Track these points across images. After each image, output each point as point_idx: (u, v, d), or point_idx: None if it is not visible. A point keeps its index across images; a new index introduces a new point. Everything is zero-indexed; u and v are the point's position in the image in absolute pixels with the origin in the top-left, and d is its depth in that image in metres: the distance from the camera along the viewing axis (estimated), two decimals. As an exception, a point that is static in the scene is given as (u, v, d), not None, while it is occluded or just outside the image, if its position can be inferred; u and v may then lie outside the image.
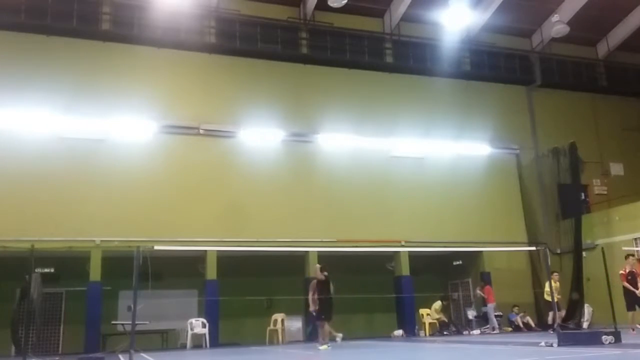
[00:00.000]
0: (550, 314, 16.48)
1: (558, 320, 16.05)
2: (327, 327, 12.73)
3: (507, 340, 13.48)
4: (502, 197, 20.63)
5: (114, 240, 15.51)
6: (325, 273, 12.58)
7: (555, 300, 15.88)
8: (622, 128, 23.49)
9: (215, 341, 15.98)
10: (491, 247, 18.51)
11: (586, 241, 19.47)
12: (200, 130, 17.84)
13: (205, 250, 16.47)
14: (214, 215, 16.99)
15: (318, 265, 12.90)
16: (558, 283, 16.21)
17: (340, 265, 17.35)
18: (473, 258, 19.93)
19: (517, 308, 18.84)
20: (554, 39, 22.39)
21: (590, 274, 17.94)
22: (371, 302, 17.68)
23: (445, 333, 17.97)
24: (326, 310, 12.51)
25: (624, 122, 23.58)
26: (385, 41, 21.27)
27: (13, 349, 14.06)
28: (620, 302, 13.45)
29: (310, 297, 12.88)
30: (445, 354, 10.08)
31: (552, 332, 15.61)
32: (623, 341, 9.70)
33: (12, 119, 16.05)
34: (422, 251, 18.02)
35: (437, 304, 18.31)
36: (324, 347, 11.87)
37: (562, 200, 21.51)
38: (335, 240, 17.55)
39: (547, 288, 16.37)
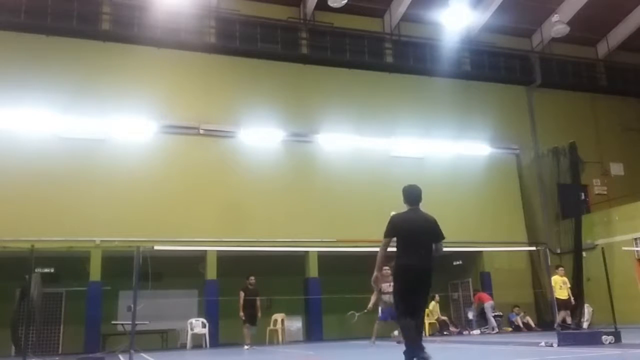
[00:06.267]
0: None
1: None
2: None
3: (507, 340, 13.47)
4: (502, 197, 20.61)
5: (114, 240, 15.50)
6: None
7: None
8: (622, 128, 23.48)
9: (215, 341, 15.99)
10: (491, 247, 18.50)
11: (586, 241, 19.47)
12: (200, 130, 17.84)
13: (205, 250, 16.47)
14: (214, 215, 17.00)
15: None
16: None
17: (340, 266, 17.37)
18: (473, 258, 19.91)
19: (517, 308, 18.83)
20: (554, 39, 22.40)
21: (590, 274, 17.94)
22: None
23: (445, 333, 17.97)
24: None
25: (624, 122, 23.56)
26: (385, 41, 21.27)
27: (13, 349, 14.06)
28: (620, 302, 13.42)
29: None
30: (445, 354, 10.07)
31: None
32: (623, 341, 9.69)
33: (12, 119, 16.05)
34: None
35: (432, 305, 18.28)
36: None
37: (562, 200, 21.50)
38: (335, 240, 17.54)
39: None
